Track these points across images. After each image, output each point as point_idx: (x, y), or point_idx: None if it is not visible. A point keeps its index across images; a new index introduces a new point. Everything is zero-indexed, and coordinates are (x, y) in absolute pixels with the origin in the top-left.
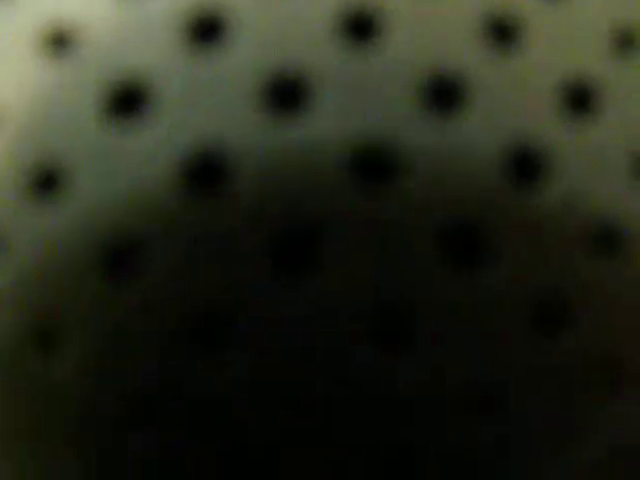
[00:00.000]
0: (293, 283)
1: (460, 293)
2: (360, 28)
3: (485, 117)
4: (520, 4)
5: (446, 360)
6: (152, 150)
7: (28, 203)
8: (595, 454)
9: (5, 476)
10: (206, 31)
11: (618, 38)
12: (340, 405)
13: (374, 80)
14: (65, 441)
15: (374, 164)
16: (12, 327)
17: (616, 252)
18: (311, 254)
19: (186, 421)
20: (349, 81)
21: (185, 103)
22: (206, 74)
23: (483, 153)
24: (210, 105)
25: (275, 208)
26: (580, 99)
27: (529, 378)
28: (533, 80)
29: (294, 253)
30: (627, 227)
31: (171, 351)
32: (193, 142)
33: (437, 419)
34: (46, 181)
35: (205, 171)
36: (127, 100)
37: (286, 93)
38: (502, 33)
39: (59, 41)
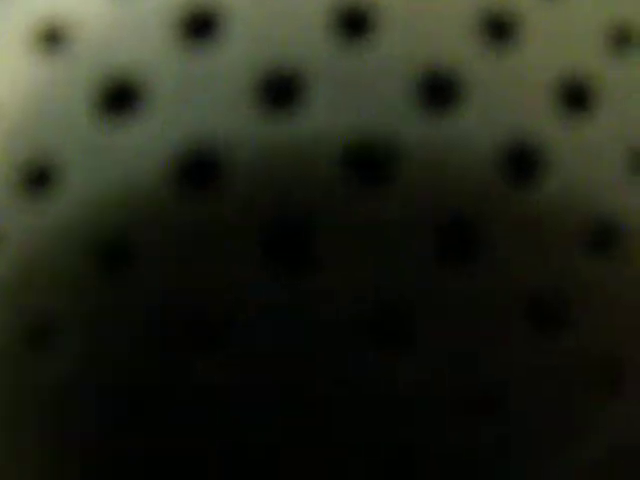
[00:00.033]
0: (290, 282)
1: (458, 292)
2: (354, 24)
3: (481, 113)
4: (517, 0)
5: (446, 360)
6: (144, 146)
7: (20, 199)
8: (595, 454)
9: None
10: (199, 27)
11: (615, 35)
12: (340, 405)
13: (368, 76)
14: (53, 441)
15: (367, 160)
16: (3, 323)
17: (614, 248)
18: (304, 250)
19: (185, 422)
20: (343, 77)
21: (178, 99)
22: (199, 70)
23: (479, 149)
24: (203, 101)
25: (268, 203)
26: (577, 96)
27: (529, 378)
28: (529, 77)
29: (287, 248)
30: (625, 223)
31: (167, 350)
32: (185, 138)
33: (437, 419)
34: (38, 177)
35: (198, 167)
36: (120, 96)
37: (279, 89)
38: (498, 29)
39: (52, 38)
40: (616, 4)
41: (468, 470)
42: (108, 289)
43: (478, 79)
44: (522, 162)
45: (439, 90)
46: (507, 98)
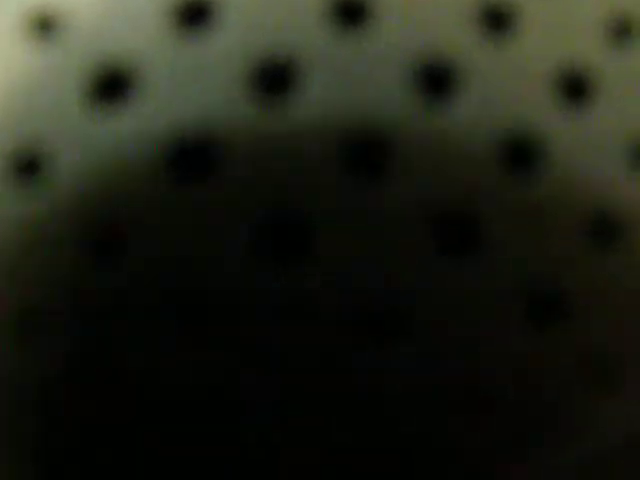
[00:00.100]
0: (285, 273)
1: (457, 286)
2: (350, 11)
3: (479, 104)
4: None
5: (444, 355)
6: (137, 134)
7: (10, 187)
8: (595, 452)
9: None
10: (193, 15)
11: (614, 27)
12: (339, 403)
13: (365, 64)
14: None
15: (364, 149)
16: None
17: (614, 241)
18: (301, 239)
19: (178, 415)
20: (339, 65)
21: (171, 87)
22: (193, 58)
23: (477, 140)
24: (197, 89)
25: (263, 192)
26: (576, 87)
27: (528, 373)
28: (528, 67)
29: (283, 237)
30: (625, 215)
31: (162, 344)
32: (179, 125)
33: (438, 416)
34: (28, 165)
35: (191, 155)
36: (113, 84)
37: (275, 76)
38: (497, 20)
39: (44, 26)
40: None
41: (472, 468)
42: (100, 276)
43: (476, 69)
44: (521, 154)
45: (437, 80)
46: (505, 89)
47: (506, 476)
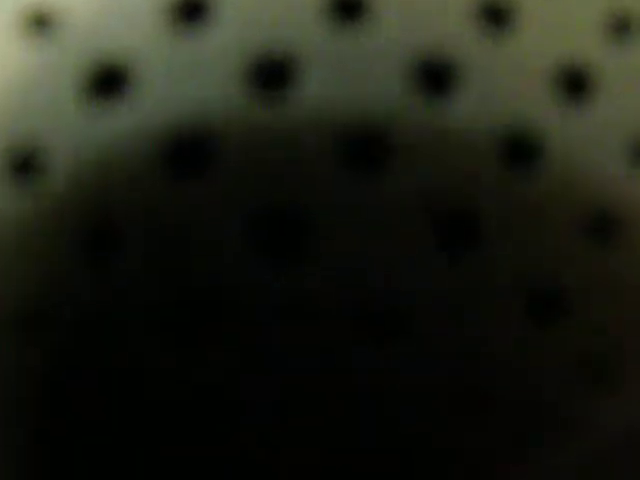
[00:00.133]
0: (281, 270)
1: (457, 284)
2: (348, 7)
3: (477, 99)
4: None
5: (444, 355)
6: (133, 130)
7: (5, 185)
8: (594, 451)
9: None
10: (189, 11)
11: (614, 23)
12: (339, 403)
13: (363, 60)
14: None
15: (362, 144)
16: None
17: (614, 237)
18: (298, 238)
19: (177, 416)
20: (337, 61)
21: (167, 84)
22: (189, 54)
23: (475, 136)
24: (193, 85)
25: (259, 188)
26: (575, 83)
27: (525, 371)
28: (527, 64)
29: (280, 233)
30: (625, 212)
31: (160, 337)
32: (175, 122)
33: (437, 418)
34: (23, 163)
35: (187, 151)
36: (109, 81)
37: (271, 72)
38: (495, 15)
39: (40, 23)
40: None
41: (472, 468)
42: (97, 273)
43: (475, 65)
44: (520, 150)
45: (435, 75)
46: (504, 85)
47: (506, 476)
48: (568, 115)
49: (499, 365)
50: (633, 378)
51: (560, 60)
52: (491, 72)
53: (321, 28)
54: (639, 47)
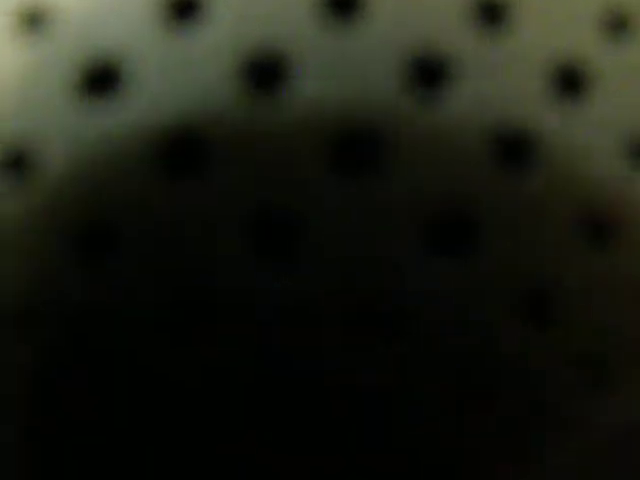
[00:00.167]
0: (271, 271)
1: (451, 284)
2: (342, 4)
3: (472, 97)
4: None
5: (444, 355)
6: (126, 128)
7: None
8: (594, 450)
9: None
10: (183, 9)
11: (610, 20)
12: (341, 403)
13: (356, 58)
14: None
15: (355, 144)
16: None
17: (611, 237)
18: (289, 240)
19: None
20: (330, 59)
21: (161, 81)
22: (182, 52)
23: (469, 134)
24: (186, 83)
25: (251, 188)
26: (571, 81)
27: (526, 372)
28: (523, 61)
29: (270, 238)
30: (621, 211)
31: (155, 336)
32: (168, 120)
33: (437, 418)
34: (16, 160)
35: (180, 150)
36: (102, 78)
37: (264, 71)
38: (491, 12)
39: (34, 20)
40: None
41: (472, 468)
42: (86, 271)
43: (470, 62)
44: (515, 148)
45: (429, 73)
46: (500, 82)
47: (506, 476)
48: (564, 113)
49: (500, 366)
50: (633, 378)
51: (556, 57)
52: (486, 69)
53: (314, 26)
54: (635, 44)
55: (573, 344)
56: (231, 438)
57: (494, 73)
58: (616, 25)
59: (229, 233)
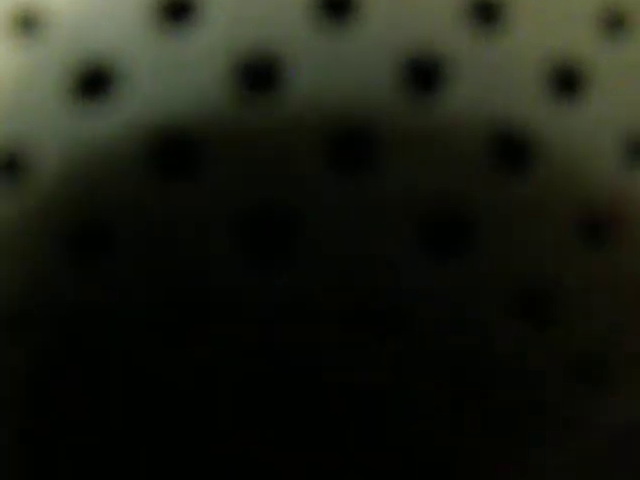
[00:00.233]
0: (267, 269)
1: (447, 284)
2: (336, 5)
3: (468, 97)
4: None
5: (442, 354)
6: (120, 130)
7: None
8: (594, 450)
9: None
10: (176, 11)
11: (607, 18)
12: (340, 402)
13: (351, 59)
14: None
15: (350, 144)
16: None
17: (610, 236)
18: (285, 239)
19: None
20: (324, 60)
21: (154, 84)
22: (176, 54)
23: (465, 134)
24: (180, 85)
25: (247, 189)
26: (568, 80)
27: (525, 372)
28: (519, 60)
29: (267, 237)
30: (620, 209)
31: (148, 336)
32: (162, 122)
33: (437, 418)
34: (10, 163)
35: (175, 151)
36: (95, 81)
37: (259, 73)
38: (487, 12)
39: (27, 23)
40: None
41: (472, 468)
42: (80, 273)
43: (465, 62)
44: (511, 148)
45: (424, 73)
46: (496, 82)
47: (506, 476)
48: (561, 112)
49: (499, 365)
50: (633, 378)
51: (552, 56)
52: (482, 69)
53: (308, 27)
54: (632, 42)
55: (573, 344)
56: (225, 437)
57: (490, 73)
58: (612, 23)
59: (222, 233)
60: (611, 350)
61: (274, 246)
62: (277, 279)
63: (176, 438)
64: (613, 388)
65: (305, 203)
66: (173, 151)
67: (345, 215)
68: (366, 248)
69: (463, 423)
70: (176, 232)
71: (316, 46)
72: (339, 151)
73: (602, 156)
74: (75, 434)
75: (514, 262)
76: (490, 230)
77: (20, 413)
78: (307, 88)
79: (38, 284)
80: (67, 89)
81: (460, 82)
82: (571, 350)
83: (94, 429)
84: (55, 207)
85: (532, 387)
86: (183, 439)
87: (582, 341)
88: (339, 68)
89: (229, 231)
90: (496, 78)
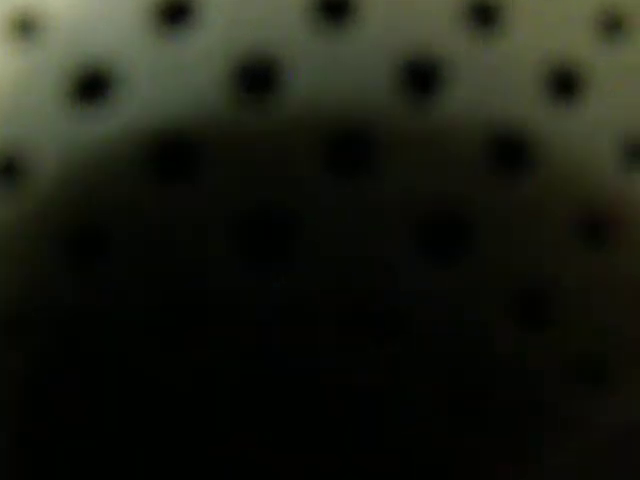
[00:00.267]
0: (264, 272)
1: (446, 287)
2: (334, 8)
3: (466, 100)
4: None
5: (442, 356)
6: (117, 134)
7: None
8: (594, 450)
9: None
10: (174, 14)
11: (605, 20)
12: (339, 404)
13: (349, 61)
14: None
15: (348, 146)
16: None
17: (608, 238)
18: (283, 241)
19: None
20: (322, 63)
21: (152, 87)
22: (174, 57)
23: (463, 136)
24: (178, 88)
25: (245, 191)
26: (566, 82)
27: (525, 373)
28: (517, 63)
29: (265, 239)
30: (620, 211)
31: (146, 340)
32: (160, 125)
33: (438, 419)
34: (8, 167)
35: (173, 155)
36: (93, 85)
37: (257, 75)
38: (484, 14)
39: (25, 26)
40: None
41: (472, 468)
42: (77, 276)
43: (463, 65)
44: (509, 150)
45: (422, 76)
46: (494, 84)
47: (506, 476)
48: (559, 114)
49: (498, 366)
50: (633, 378)
51: (550, 59)
52: (479, 71)
53: (306, 29)
54: (630, 45)
55: (572, 345)
56: (223, 439)
57: (487, 75)
58: (610, 26)
59: (220, 235)
60: (611, 350)
61: (272, 248)
62: (275, 281)
63: (174, 440)
64: (613, 388)
65: (303, 205)
66: (171, 154)
67: (343, 217)
68: (364, 250)
69: (461, 424)
70: (174, 235)
71: (314, 48)
72: (337, 153)
73: (600, 158)
74: (73, 437)
75: (512, 264)
76: (488, 232)
77: (18, 416)
78: (305, 90)
79: (36, 288)
80: (65, 93)
81: (458, 84)
82: (570, 351)
83: (92, 432)
84: (53, 211)
85: (531, 388)
86: (181, 441)
87: (581, 342)
88: (337, 70)
89: (227, 233)
90: (494, 80)
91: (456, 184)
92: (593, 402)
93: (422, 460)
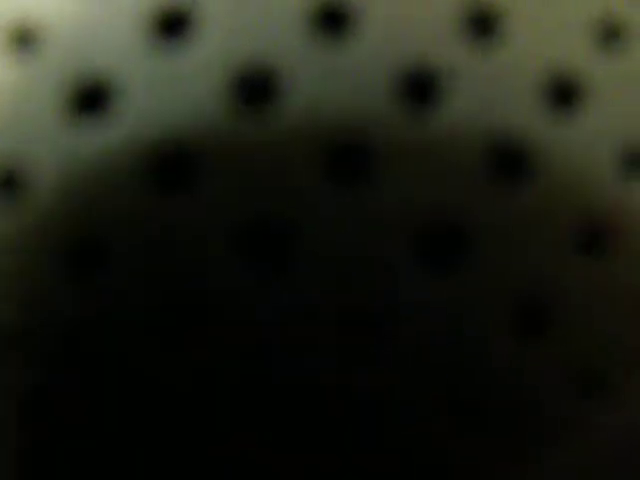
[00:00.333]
0: (264, 282)
1: (443, 298)
2: (332, 19)
3: (464, 110)
4: None
5: (443, 362)
6: (116, 146)
7: None
8: (594, 450)
9: None
10: (172, 26)
11: (603, 30)
12: (338, 404)
13: (347, 72)
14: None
15: (347, 157)
16: None
17: (609, 247)
18: (283, 251)
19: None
20: (321, 73)
21: (151, 99)
22: (172, 69)
23: (462, 146)
24: (176, 99)
25: (244, 202)
26: (565, 92)
27: (524, 376)
28: (515, 73)
29: (265, 249)
30: (619, 220)
31: (146, 350)
32: (158, 137)
33: (438, 419)
34: (7, 179)
35: (172, 166)
36: (92, 96)
37: (255, 86)
38: (483, 25)
39: (24, 39)
40: None
41: (472, 468)
42: (78, 289)
43: (462, 75)
44: (508, 160)
45: (421, 87)
46: (492, 94)
47: (506, 476)
48: (558, 123)
49: (500, 373)
50: (633, 387)
51: (549, 68)
52: (478, 81)
53: (304, 40)
54: (629, 54)
55: (572, 354)
56: (223, 439)
57: (486, 85)
58: (609, 35)
59: (220, 246)
60: (612, 362)
61: (271, 258)
62: (275, 282)
63: (174, 440)
64: (613, 397)
65: (302, 215)
66: (170, 165)
67: (342, 227)
68: (363, 260)
69: (461, 424)
70: (173, 245)
71: (312, 59)
72: (336, 163)
73: (599, 167)
74: (73, 437)
75: (511, 273)
76: (487, 242)
77: (18, 416)
78: (303, 100)
79: (36, 301)
80: (64, 105)
81: (457, 94)
82: (570, 361)
83: (92, 432)
84: (53, 224)
85: (532, 391)
86: (181, 441)
87: (581, 352)
88: (335, 80)
89: (226, 244)
90: (493, 90)
91: (455, 194)
92: (593, 402)
93: (422, 460)
